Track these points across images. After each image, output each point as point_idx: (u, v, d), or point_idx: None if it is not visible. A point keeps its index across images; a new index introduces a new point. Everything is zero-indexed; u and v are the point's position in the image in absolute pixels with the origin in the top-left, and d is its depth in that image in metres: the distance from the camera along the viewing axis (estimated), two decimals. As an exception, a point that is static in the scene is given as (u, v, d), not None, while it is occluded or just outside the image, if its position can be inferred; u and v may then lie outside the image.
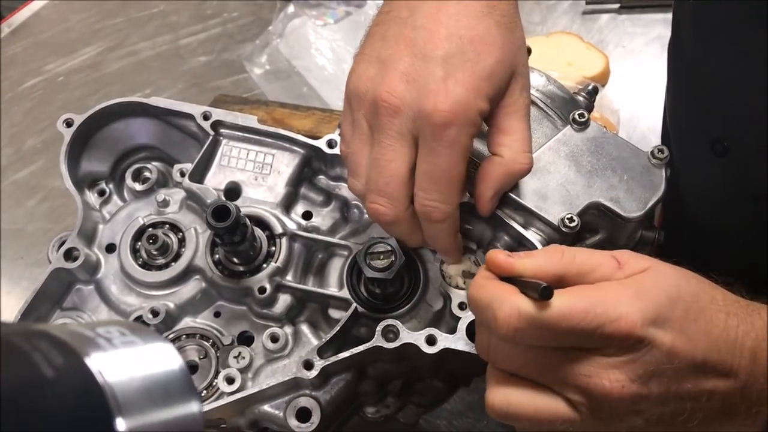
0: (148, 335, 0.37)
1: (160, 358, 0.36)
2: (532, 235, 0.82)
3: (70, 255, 0.86)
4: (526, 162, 0.77)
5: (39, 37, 1.71)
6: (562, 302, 0.60)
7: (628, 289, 0.61)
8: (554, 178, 0.84)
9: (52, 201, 1.43)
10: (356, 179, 0.78)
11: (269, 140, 0.92)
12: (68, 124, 0.91)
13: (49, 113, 1.61)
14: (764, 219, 0.87)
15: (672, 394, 0.61)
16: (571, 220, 0.81)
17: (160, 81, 1.65)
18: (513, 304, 0.62)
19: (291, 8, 1.60)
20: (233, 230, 0.79)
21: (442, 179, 0.72)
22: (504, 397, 0.65)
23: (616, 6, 1.58)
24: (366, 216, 0.92)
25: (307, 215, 0.92)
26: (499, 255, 0.67)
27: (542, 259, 0.66)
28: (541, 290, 0.61)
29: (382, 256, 0.81)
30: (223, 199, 0.90)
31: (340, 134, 0.82)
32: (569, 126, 0.86)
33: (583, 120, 0.86)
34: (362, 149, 0.76)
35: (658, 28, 1.55)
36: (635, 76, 1.48)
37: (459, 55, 0.71)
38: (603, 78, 1.45)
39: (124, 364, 0.34)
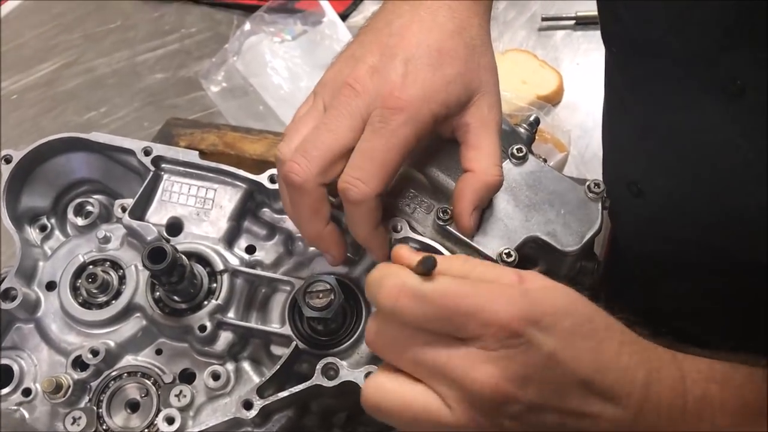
0: None
1: None
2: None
3: (7, 295, 0.85)
4: (497, 174, 0.78)
5: (-8, 53, 1.70)
6: (446, 282, 0.62)
7: (516, 290, 0.62)
8: (493, 212, 0.84)
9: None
10: (287, 142, 0.78)
11: (211, 175, 0.92)
12: (7, 160, 0.90)
13: (3, 132, 1.59)
14: (678, 260, 0.89)
15: (552, 407, 0.60)
16: (509, 255, 0.82)
17: (116, 99, 1.64)
18: (398, 276, 0.63)
19: (247, 25, 1.59)
20: (170, 272, 0.78)
21: (374, 159, 0.73)
22: (378, 384, 0.65)
23: (572, 22, 1.60)
24: (311, 249, 0.93)
25: (250, 249, 0.92)
26: (402, 249, 0.70)
27: (445, 263, 0.65)
28: (422, 260, 0.62)
29: (321, 295, 0.81)
30: (165, 234, 0.90)
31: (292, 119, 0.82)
32: (508, 160, 0.87)
33: (521, 155, 0.87)
34: (308, 121, 0.78)
35: (612, 44, 1.56)
36: (588, 94, 1.50)
37: (423, 59, 0.75)
38: (556, 96, 1.46)
39: None
